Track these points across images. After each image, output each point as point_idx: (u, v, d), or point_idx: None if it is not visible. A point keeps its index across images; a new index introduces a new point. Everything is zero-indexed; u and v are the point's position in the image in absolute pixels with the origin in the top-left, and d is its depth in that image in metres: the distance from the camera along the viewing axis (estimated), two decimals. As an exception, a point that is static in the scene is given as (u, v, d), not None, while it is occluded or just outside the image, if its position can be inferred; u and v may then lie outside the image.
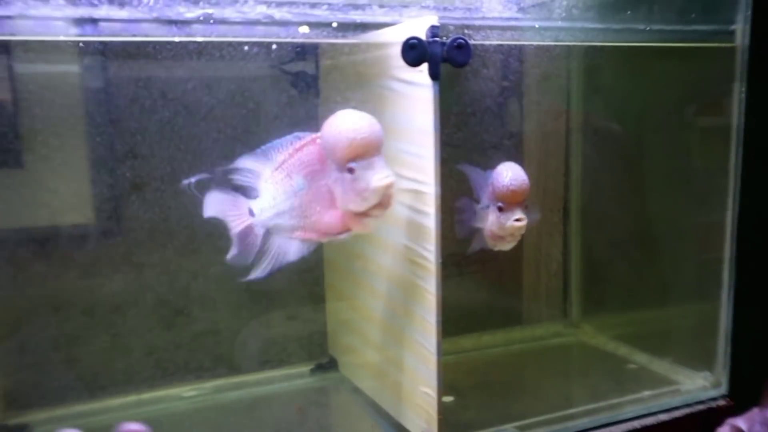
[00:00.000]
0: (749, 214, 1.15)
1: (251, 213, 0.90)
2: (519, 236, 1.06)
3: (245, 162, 0.89)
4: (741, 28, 1.11)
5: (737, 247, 1.16)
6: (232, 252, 0.91)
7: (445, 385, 1.19)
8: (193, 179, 0.88)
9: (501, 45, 1.12)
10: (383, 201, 0.86)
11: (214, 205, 0.90)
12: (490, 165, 1.08)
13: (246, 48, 0.95)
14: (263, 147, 0.88)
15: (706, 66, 1.18)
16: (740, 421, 0.77)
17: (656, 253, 1.37)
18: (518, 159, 1.38)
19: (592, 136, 1.43)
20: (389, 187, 0.85)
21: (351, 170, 0.84)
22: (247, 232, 0.91)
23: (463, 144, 1.24)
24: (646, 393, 1.20)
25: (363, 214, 0.87)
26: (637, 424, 1.12)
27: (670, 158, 1.32)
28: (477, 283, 1.43)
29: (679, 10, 1.12)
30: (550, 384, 1.29)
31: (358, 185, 0.84)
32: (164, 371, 1.22)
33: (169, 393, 1.22)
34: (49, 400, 1.13)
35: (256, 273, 0.91)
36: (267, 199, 0.90)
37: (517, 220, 1.03)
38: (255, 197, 0.90)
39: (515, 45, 1.08)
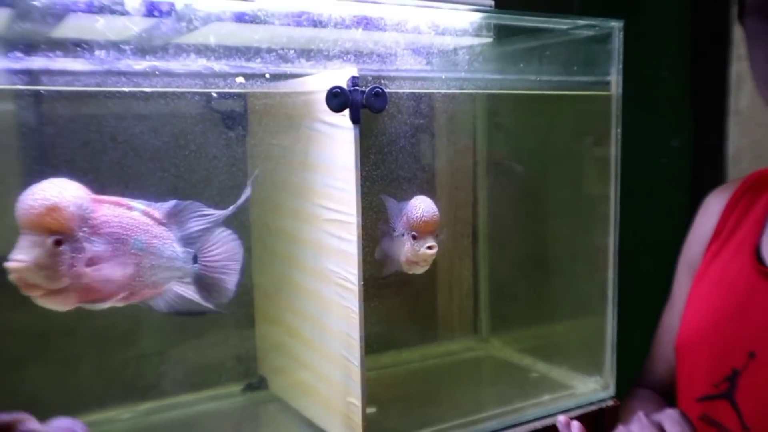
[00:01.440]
0: (626, 239, 1.32)
1: None
2: (431, 261, 1.19)
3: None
4: (614, 79, 1.29)
5: (618, 267, 1.33)
6: None
7: (368, 398, 1.30)
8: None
9: (413, 92, 1.25)
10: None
11: None
12: (406, 197, 1.20)
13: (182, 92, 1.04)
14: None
15: (589, 109, 1.35)
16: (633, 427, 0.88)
17: (553, 273, 1.53)
18: (431, 191, 1.52)
19: (495, 169, 1.59)
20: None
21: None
22: None
23: (383, 178, 1.35)
24: (546, 397, 1.33)
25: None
26: (539, 424, 1.25)
27: (562, 189, 1.49)
28: (396, 304, 1.54)
29: (565, 63, 1.29)
30: (462, 393, 1.41)
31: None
32: (100, 395, 1.27)
33: (104, 416, 1.27)
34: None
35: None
36: None
37: (429, 247, 1.16)
38: None
39: (425, 93, 1.21)
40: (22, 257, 0.78)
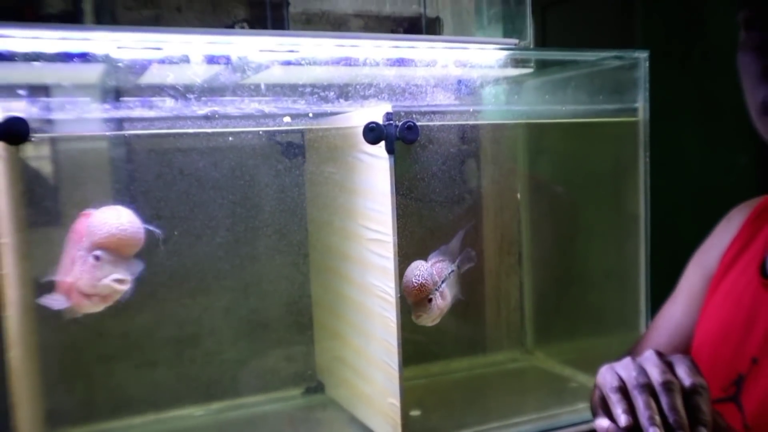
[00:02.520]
0: (657, 254, 1.38)
1: None
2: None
3: None
4: (641, 106, 1.36)
5: (649, 281, 1.39)
6: None
7: (413, 402, 1.42)
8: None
9: (460, 125, 1.37)
10: (107, 295, 0.96)
11: None
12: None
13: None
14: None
15: (619, 135, 1.43)
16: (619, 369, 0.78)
17: (591, 289, 1.60)
18: (478, 212, 1.63)
19: (538, 192, 1.68)
20: (119, 292, 0.95)
21: (97, 257, 0.93)
22: None
23: (435, 200, 1.47)
24: (581, 405, 1.40)
25: (86, 296, 0.96)
26: (573, 430, 1.33)
27: (597, 209, 1.56)
28: (446, 316, 1.64)
29: (593, 91, 1.38)
30: (503, 400, 1.50)
31: (95, 272, 0.93)
32: (177, 394, 1.44)
33: (182, 413, 1.44)
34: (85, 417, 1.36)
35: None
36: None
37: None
38: None
39: (457, 125, 1.33)
40: (128, 277, 0.96)
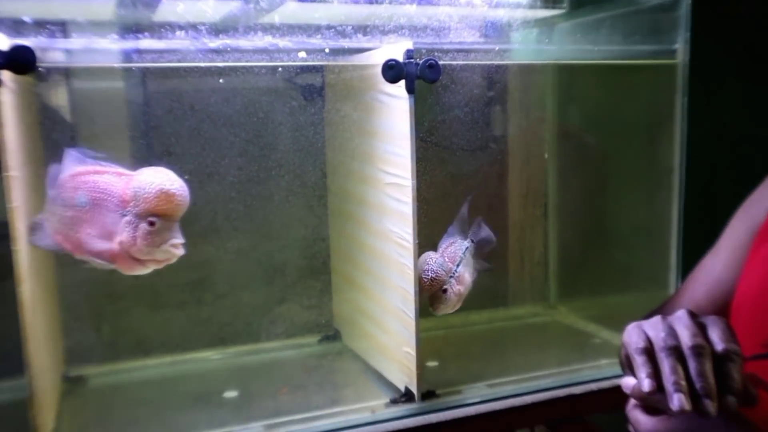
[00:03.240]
0: (691, 209, 1.32)
1: None
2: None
3: (69, 154, 0.95)
4: (681, 48, 1.29)
5: (681, 237, 1.33)
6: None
7: (431, 353, 1.40)
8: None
9: (485, 65, 1.31)
10: (163, 259, 0.94)
11: None
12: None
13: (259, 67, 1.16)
14: (79, 153, 0.95)
15: (655, 81, 1.35)
16: (647, 328, 0.76)
17: (619, 243, 1.55)
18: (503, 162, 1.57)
19: (567, 141, 1.62)
20: (178, 255, 0.94)
21: (151, 223, 0.90)
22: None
23: (457, 145, 1.42)
24: (604, 361, 1.37)
25: (138, 261, 0.94)
26: (594, 386, 1.29)
27: (629, 159, 1.50)
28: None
29: (628, 32, 1.31)
30: (523, 354, 1.47)
31: (152, 238, 0.91)
32: (194, 338, 1.44)
33: (198, 355, 1.45)
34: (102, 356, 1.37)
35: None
36: (50, 195, 0.96)
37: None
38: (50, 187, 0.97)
39: (482, 64, 1.27)
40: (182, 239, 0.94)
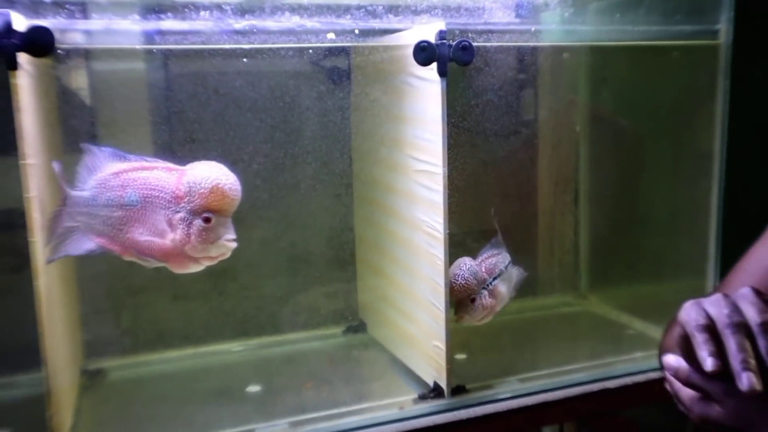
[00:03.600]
0: (730, 196, 1.27)
1: (65, 201, 0.91)
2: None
3: (97, 152, 0.91)
4: (725, 28, 1.23)
5: (721, 225, 1.28)
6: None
7: (459, 345, 1.35)
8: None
9: (516, 46, 1.26)
10: (218, 256, 0.91)
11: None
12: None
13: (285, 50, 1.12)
14: (108, 147, 0.91)
15: (694, 62, 1.30)
16: (707, 305, 0.71)
17: (654, 231, 1.50)
18: (535, 145, 1.52)
19: (599, 125, 1.56)
20: (231, 250, 0.91)
21: (207, 219, 0.87)
22: (56, 219, 0.93)
23: (489, 130, 1.37)
24: (639, 354, 1.32)
25: (191, 258, 0.91)
26: (628, 380, 1.25)
27: (665, 144, 1.44)
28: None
29: (668, 12, 1.25)
30: (554, 346, 1.43)
31: (207, 235, 0.88)
32: (216, 329, 1.41)
33: (220, 348, 1.41)
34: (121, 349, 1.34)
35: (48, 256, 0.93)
36: (87, 195, 0.91)
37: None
38: (80, 188, 0.92)
39: (515, 46, 1.22)
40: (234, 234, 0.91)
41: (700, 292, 1.31)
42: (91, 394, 1.24)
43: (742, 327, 0.68)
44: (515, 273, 1.24)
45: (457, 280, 1.12)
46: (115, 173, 0.90)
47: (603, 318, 1.58)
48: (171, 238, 0.89)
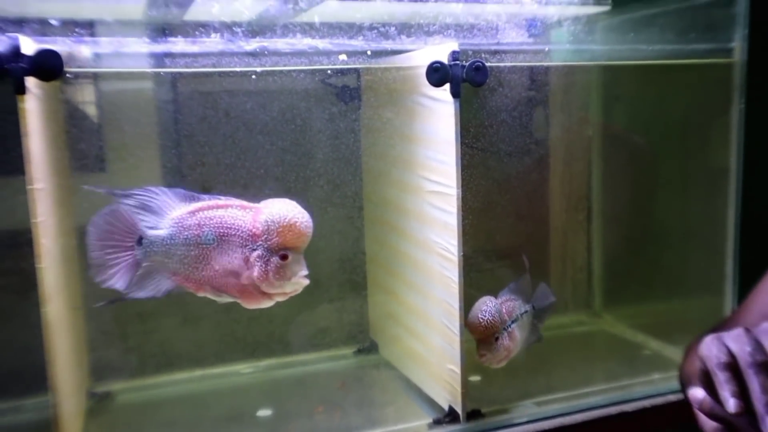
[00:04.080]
0: (748, 213, 1.25)
1: (140, 242, 0.90)
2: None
3: (165, 192, 0.91)
4: (739, 46, 1.21)
5: (738, 243, 1.26)
6: (104, 272, 0.91)
7: (474, 367, 1.33)
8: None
9: (528, 66, 1.25)
10: (291, 292, 0.92)
11: (103, 223, 0.90)
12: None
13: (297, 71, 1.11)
14: (182, 189, 0.92)
15: (708, 80, 1.28)
16: (729, 341, 0.70)
17: (669, 249, 1.47)
18: (547, 164, 1.51)
19: (612, 142, 1.54)
20: (304, 286, 0.92)
21: (284, 257, 0.89)
22: (124, 258, 0.91)
23: (502, 150, 1.36)
24: (657, 376, 1.30)
25: (266, 294, 0.92)
26: (647, 403, 1.22)
27: (679, 162, 1.43)
28: (507, 275, 1.55)
29: (682, 30, 1.23)
30: (570, 367, 1.40)
31: (284, 271, 0.89)
32: (224, 351, 1.39)
33: (229, 369, 1.39)
34: (129, 372, 1.32)
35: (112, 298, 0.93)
36: (165, 235, 0.91)
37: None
38: (153, 227, 0.91)
39: (528, 66, 1.21)
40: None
41: (717, 311, 1.31)
42: (99, 418, 1.22)
43: (765, 367, 0.67)
44: (528, 322, 1.23)
45: (485, 316, 1.11)
46: (191, 212, 0.91)
47: (618, 337, 1.56)
48: (247, 275, 0.90)
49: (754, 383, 0.66)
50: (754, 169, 1.27)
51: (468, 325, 1.11)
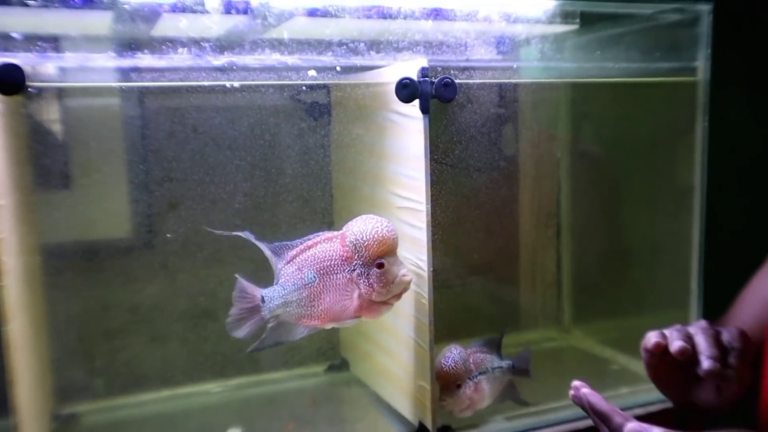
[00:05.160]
0: (712, 230, 1.27)
1: (262, 300, 1.01)
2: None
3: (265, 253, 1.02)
4: (702, 65, 1.24)
5: (702, 259, 1.28)
6: (241, 330, 1.02)
7: (443, 383, 1.32)
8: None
9: (497, 83, 1.26)
10: (401, 292, 1.01)
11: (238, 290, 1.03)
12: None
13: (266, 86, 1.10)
14: (276, 243, 1.02)
15: (673, 98, 1.30)
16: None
17: (636, 265, 1.49)
18: (514, 181, 1.52)
19: (580, 159, 1.56)
20: (411, 281, 1.00)
21: (380, 265, 0.98)
22: (254, 316, 1.02)
23: (471, 166, 1.37)
24: (625, 390, 1.31)
25: (382, 303, 1.01)
26: (615, 417, 1.24)
27: (646, 179, 1.45)
28: (478, 292, 1.56)
29: (647, 49, 1.26)
30: (540, 382, 1.41)
31: (386, 278, 0.98)
32: (193, 370, 1.37)
33: (198, 389, 1.37)
34: (95, 393, 1.29)
35: (256, 345, 1.04)
36: (277, 288, 1.01)
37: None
38: (268, 286, 1.02)
39: (497, 83, 1.22)
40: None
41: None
42: (63, 441, 1.20)
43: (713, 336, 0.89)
44: (500, 378, 1.22)
45: (447, 362, 1.12)
46: (288, 262, 1.02)
47: (587, 353, 1.56)
48: (357, 294, 1.00)
49: (699, 336, 0.89)
50: (718, 187, 1.29)
51: (435, 370, 1.12)
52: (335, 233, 1.01)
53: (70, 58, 0.97)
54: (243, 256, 1.12)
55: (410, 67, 1.04)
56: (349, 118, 1.29)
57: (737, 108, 1.48)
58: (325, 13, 0.99)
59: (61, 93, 1.15)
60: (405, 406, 1.20)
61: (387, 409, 1.26)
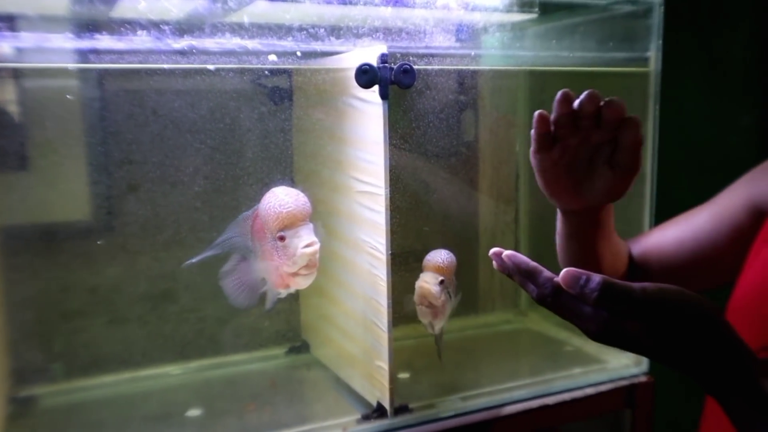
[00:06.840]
0: (661, 216, 1.31)
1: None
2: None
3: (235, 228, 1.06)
4: (654, 55, 1.28)
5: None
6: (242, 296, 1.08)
7: (402, 364, 1.36)
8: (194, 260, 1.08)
9: (457, 69, 1.28)
10: (309, 263, 1.00)
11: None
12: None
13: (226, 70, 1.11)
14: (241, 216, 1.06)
15: (627, 87, 1.33)
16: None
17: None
18: (474, 167, 1.55)
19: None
20: (314, 253, 0.99)
21: (281, 238, 0.98)
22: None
23: (430, 152, 1.39)
24: (577, 370, 1.35)
25: (294, 274, 1.01)
26: (567, 396, 1.28)
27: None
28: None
29: (602, 39, 1.29)
30: (496, 363, 1.45)
31: (288, 250, 0.99)
32: (153, 352, 1.37)
33: (158, 371, 1.37)
34: (53, 375, 1.29)
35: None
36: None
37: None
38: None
39: (456, 69, 1.24)
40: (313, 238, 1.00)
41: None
42: (20, 423, 1.19)
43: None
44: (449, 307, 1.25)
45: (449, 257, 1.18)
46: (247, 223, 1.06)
47: (542, 335, 1.61)
48: (273, 266, 1.02)
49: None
50: (668, 174, 1.33)
51: (430, 266, 1.15)
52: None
53: (27, 38, 0.96)
54: (203, 238, 1.13)
55: (370, 53, 1.05)
56: (310, 102, 1.30)
57: (689, 97, 1.53)
58: (285, -2, 1.00)
59: (17, 73, 1.14)
60: (364, 387, 1.23)
61: (346, 390, 1.28)
